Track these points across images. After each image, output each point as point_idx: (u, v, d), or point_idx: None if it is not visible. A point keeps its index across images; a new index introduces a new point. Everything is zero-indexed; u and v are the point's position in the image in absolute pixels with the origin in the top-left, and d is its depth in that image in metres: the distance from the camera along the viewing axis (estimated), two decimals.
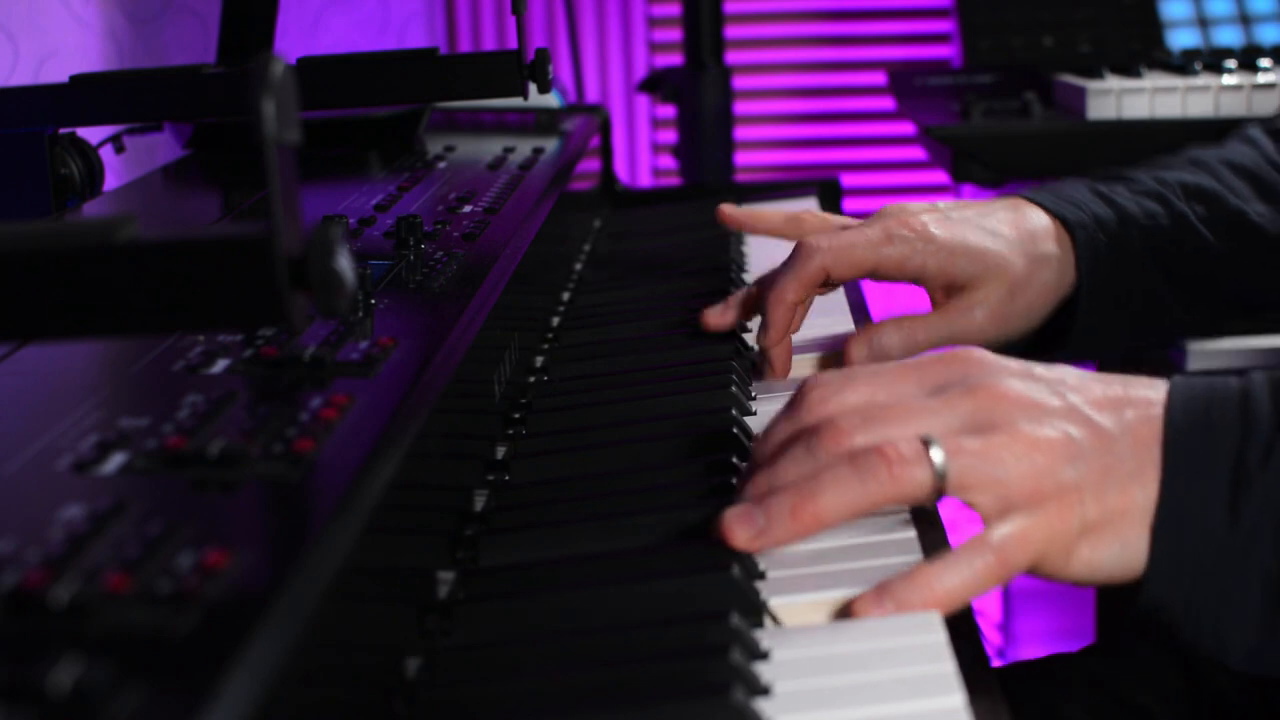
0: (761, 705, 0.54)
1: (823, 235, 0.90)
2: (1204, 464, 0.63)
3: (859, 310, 1.04)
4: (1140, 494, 0.63)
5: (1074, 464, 0.62)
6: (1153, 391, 0.65)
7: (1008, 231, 0.92)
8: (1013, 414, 0.63)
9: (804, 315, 0.92)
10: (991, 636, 2.23)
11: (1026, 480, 0.62)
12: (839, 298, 1.05)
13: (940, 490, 0.62)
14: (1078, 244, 0.94)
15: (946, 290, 0.92)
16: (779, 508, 0.62)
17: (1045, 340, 0.98)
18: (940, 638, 0.58)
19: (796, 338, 0.92)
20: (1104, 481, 0.63)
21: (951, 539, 0.67)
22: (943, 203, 0.95)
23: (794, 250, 0.90)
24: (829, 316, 1.01)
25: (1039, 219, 0.95)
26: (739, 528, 0.63)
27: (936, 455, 0.61)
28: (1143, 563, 0.63)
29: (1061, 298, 0.95)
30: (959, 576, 0.60)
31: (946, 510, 0.68)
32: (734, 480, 0.71)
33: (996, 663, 2.04)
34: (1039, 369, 0.66)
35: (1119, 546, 0.63)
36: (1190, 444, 0.63)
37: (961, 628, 0.59)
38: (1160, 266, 0.98)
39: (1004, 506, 0.62)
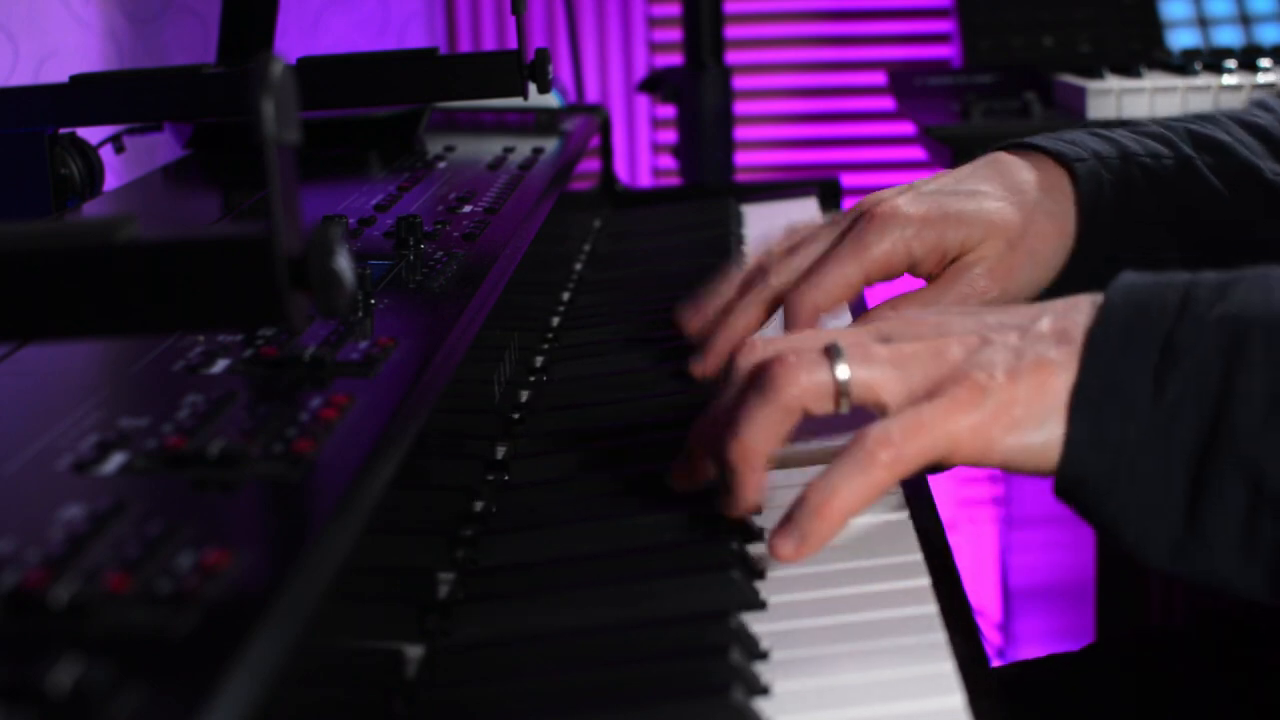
0: (761, 705, 0.54)
1: (799, 277, 0.82)
2: (1132, 342, 0.60)
3: (857, 303, 1.03)
4: (1063, 374, 0.60)
5: (981, 352, 0.61)
6: (1086, 298, 0.63)
7: (990, 188, 0.85)
8: (923, 330, 0.63)
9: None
10: (991, 636, 2.23)
11: (930, 375, 0.61)
12: None
13: (845, 394, 0.61)
14: (1078, 179, 0.86)
15: (943, 263, 0.84)
16: (722, 458, 0.63)
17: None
18: (940, 638, 0.58)
19: None
20: (1016, 362, 0.60)
21: (952, 538, 0.67)
22: (919, 180, 0.87)
23: (755, 279, 0.83)
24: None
25: (1022, 171, 0.87)
26: (727, 507, 0.65)
27: (840, 362, 0.61)
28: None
29: (1066, 246, 0.87)
30: (853, 487, 0.59)
31: (946, 510, 0.68)
32: None
33: (996, 663, 2.04)
34: (958, 307, 0.67)
35: (1043, 429, 0.60)
36: (1121, 325, 0.61)
37: (961, 628, 0.59)
38: (1167, 213, 0.89)
39: (908, 404, 0.61)
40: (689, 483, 0.69)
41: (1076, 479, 0.60)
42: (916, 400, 0.61)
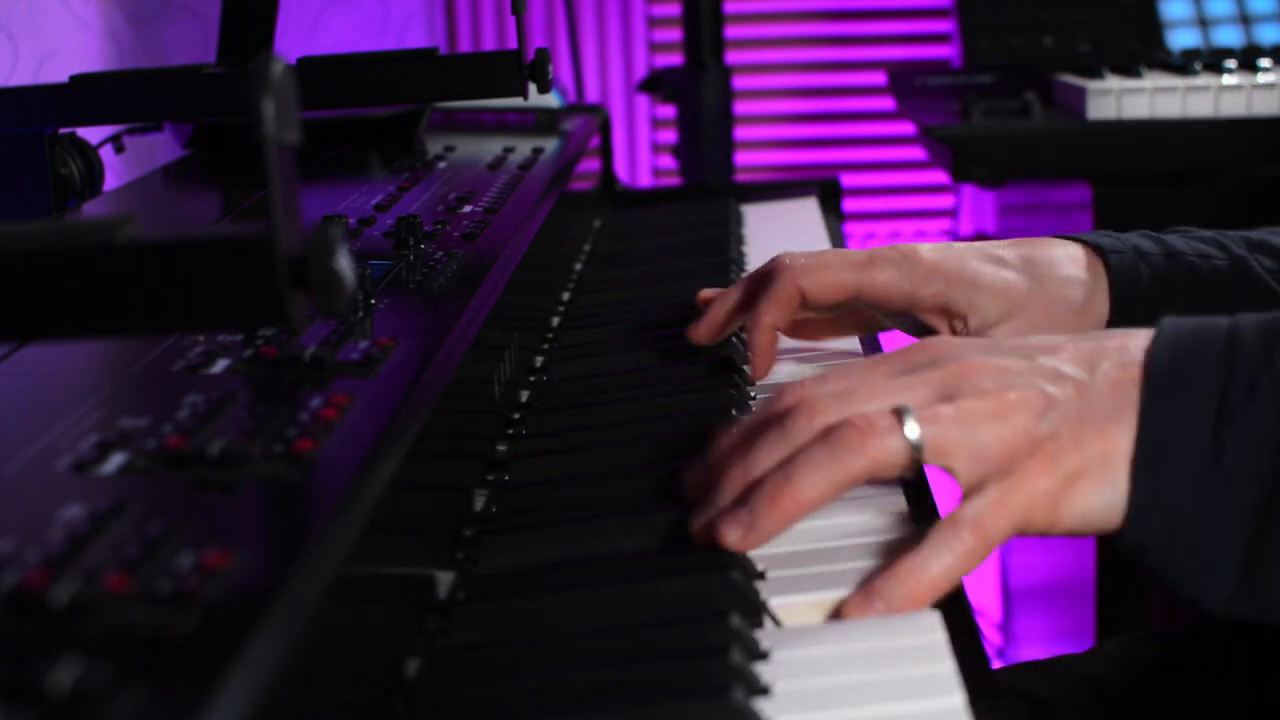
0: (761, 705, 0.54)
1: (799, 254, 0.86)
2: (1185, 401, 0.61)
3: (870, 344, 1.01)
4: (1122, 436, 0.61)
5: (1047, 416, 0.62)
6: (1132, 340, 0.64)
7: (1012, 259, 0.86)
8: (983, 380, 0.63)
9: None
10: (991, 636, 2.23)
11: (1002, 441, 0.61)
12: None
13: (917, 460, 0.61)
14: (1111, 269, 0.86)
15: (946, 318, 0.86)
16: (760, 502, 0.62)
17: None
18: (940, 638, 0.58)
19: (804, 356, 0.92)
20: (1080, 428, 0.62)
21: None
22: (956, 243, 0.88)
23: (771, 270, 0.87)
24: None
25: (1063, 249, 0.88)
26: (729, 530, 0.63)
27: (910, 424, 0.61)
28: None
29: (1097, 326, 0.87)
30: (942, 562, 0.60)
31: (946, 510, 0.68)
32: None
33: (996, 663, 2.04)
34: (1008, 340, 0.66)
35: (1107, 492, 0.61)
36: (1172, 382, 0.62)
37: (961, 628, 0.59)
38: (1220, 313, 0.91)
39: (981, 470, 0.61)
40: (700, 493, 0.66)
41: (1140, 543, 0.61)
42: (984, 463, 0.61)
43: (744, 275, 0.90)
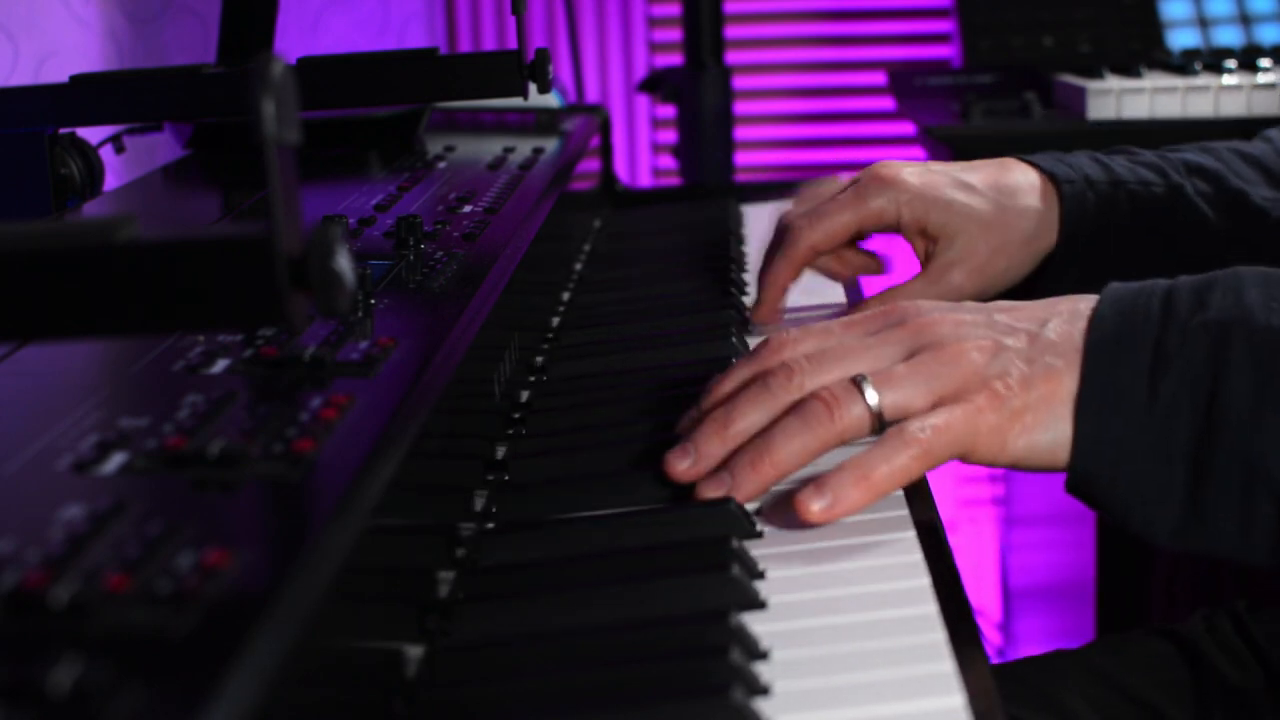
0: (761, 705, 0.54)
1: (802, 216, 0.94)
2: (1126, 348, 0.67)
3: (852, 287, 1.07)
4: (1067, 381, 0.67)
5: (998, 358, 0.68)
6: (1081, 301, 0.70)
7: (982, 186, 0.95)
8: (940, 334, 0.70)
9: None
10: (991, 636, 2.23)
11: (953, 380, 0.68)
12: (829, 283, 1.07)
13: (882, 418, 0.68)
14: (1064, 198, 0.95)
15: (923, 238, 0.95)
16: (740, 467, 0.69)
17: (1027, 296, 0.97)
18: (940, 637, 0.58)
19: (791, 316, 0.98)
20: (1029, 369, 0.68)
21: (952, 538, 0.68)
22: (930, 162, 0.98)
23: (780, 233, 0.95)
24: (824, 295, 1.04)
25: (1024, 176, 0.96)
26: (708, 489, 0.69)
27: (869, 391, 0.68)
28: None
29: (1044, 252, 0.96)
30: (887, 467, 0.66)
31: (946, 510, 0.69)
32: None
33: (996, 663, 2.03)
34: (969, 304, 0.72)
35: (1052, 430, 0.67)
36: (1115, 332, 0.68)
37: (961, 628, 0.59)
38: (1156, 236, 0.99)
39: (935, 403, 0.68)
40: (691, 475, 0.71)
41: (1085, 475, 0.67)
42: (938, 398, 0.68)
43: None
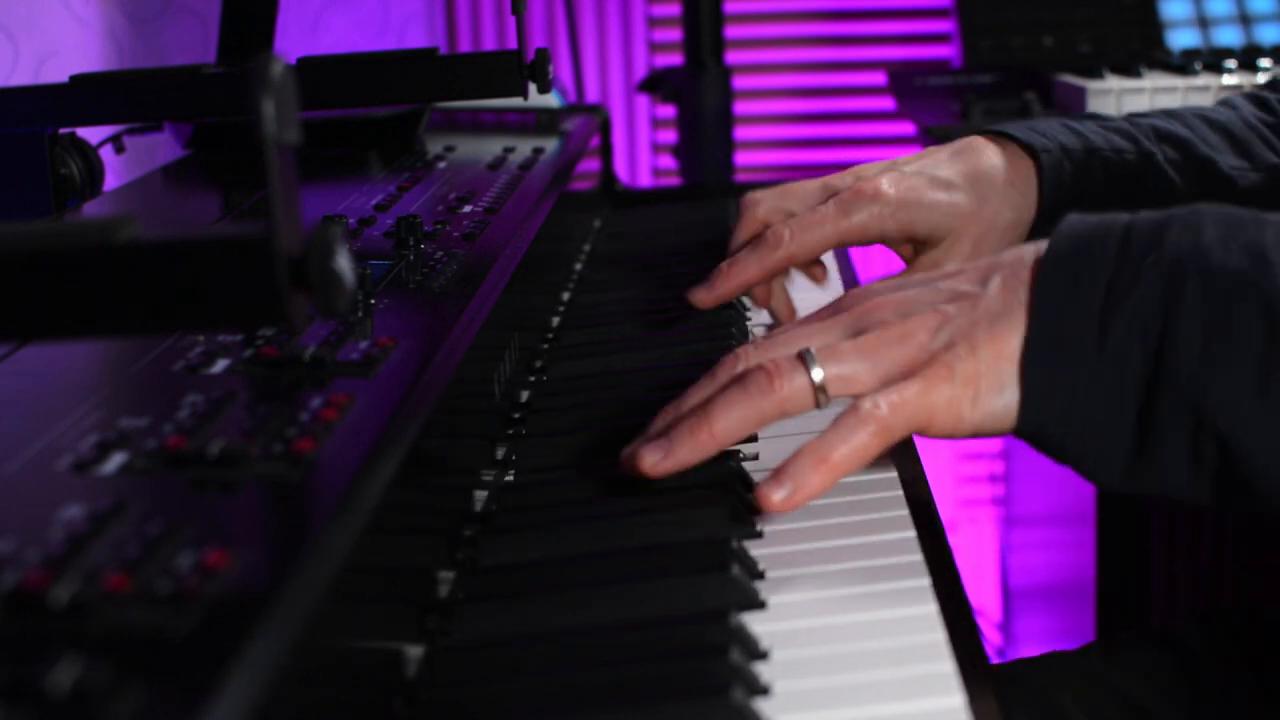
0: (761, 705, 0.54)
1: (782, 225, 0.93)
2: (1076, 290, 0.65)
3: (850, 283, 1.08)
4: (1013, 335, 0.66)
5: (942, 330, 0.67)
6: (1028, 249, 0.69)
7: (960, 180, 0.94)
8: (883, 314, 0.69)
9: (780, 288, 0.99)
10: (991, 636, 2.23)
11: (901, 358, 0.67)
12: (832, 271, 1.08)
13: (824, 392, 0.67)
14: (1042, 169, 0.95)
15: (909, 244, 0.95)
16: (680, 432, 0.68)
17: None
18: (940, 637, 0.58)
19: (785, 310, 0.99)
20: (973, 334, 0.66)
21: (952, 538, 0.68)
22: (900, 158, 0.97)
23: (761, 238, 0.93)
24: (825, 291, 1.05)
25: (994, 158, 0.95)
26: (646, 454, 0.68)
27: (814, 366, 0.67)
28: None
29: (1026, 228, 0.96)
30: (845, 447, 0.65)
31: (946, 510, 0.69)
32: (738, 479, 0.72)
33: (996, 663, 2.03)
34: (916, 276, 0.71)
35: (1005, 392, 0.66)
36: (1065, 271, 0.66)
37: (961, 628, 0.59)
38: (1126, 204, 0.98)
39: (884, 384, 0.67)
40: (662, 469, 0.69)
41: (1035, 425, 0.65)
42: (887, 381, 0.67)
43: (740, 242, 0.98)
